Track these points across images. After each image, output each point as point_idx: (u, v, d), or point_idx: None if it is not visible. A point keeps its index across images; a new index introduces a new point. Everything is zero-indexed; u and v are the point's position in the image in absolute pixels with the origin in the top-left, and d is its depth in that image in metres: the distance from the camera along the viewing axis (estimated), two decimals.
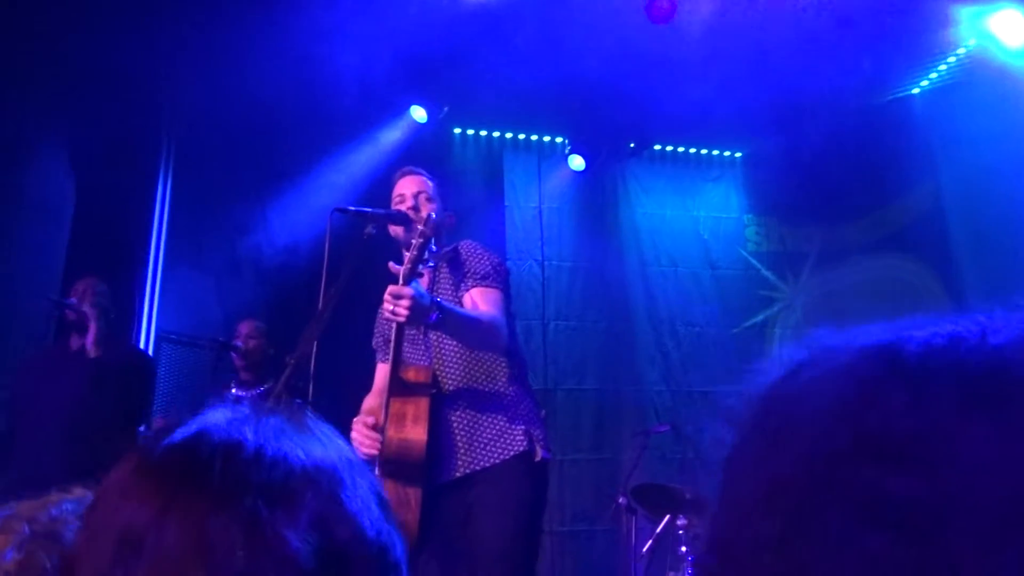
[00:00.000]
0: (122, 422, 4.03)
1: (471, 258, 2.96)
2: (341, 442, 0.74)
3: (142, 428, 4.16)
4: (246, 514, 0.63)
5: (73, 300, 4.08)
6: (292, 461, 0.67)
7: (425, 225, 2.62)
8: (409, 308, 2.47)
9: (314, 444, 0.70)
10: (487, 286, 2.90)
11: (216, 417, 0.70)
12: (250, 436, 0.68)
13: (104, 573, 0.63)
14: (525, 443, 2.81)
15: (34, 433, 3.87)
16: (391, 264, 2.62)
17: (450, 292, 2.95)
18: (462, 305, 2.88)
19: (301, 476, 0.66)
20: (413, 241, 2.59)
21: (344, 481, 0.69)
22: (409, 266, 2.55)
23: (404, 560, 0.71)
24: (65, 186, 5.39)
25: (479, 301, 2.87)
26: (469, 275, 2.92)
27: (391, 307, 2.48)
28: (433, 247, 2.61)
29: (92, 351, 3.95)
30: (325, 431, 0.74)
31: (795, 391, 0.54)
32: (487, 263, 2.95)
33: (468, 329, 2.78)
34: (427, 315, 2.55)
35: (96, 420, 3.89)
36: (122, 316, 4.90)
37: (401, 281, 2.53)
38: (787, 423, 0.52)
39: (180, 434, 0.69)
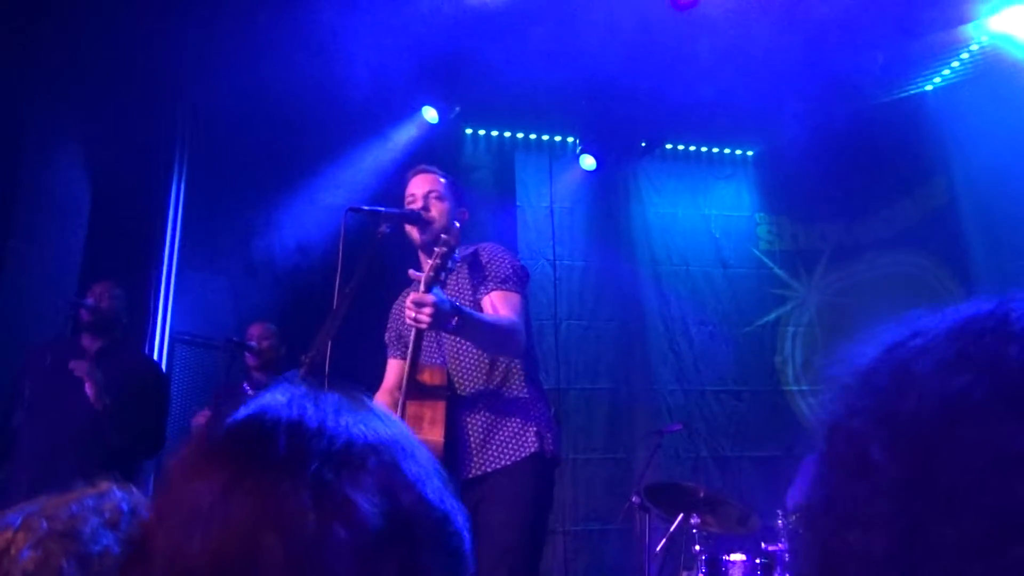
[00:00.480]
0: (139, 436, 4.05)
1: (492, 261, 2.96)
2: (399, 421, 0.76)
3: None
4: (312, 479, 0.65)
5: (89, 301, 4.11)
6: (353, 432, 0.70)
7: (448, 234, 2.65)
8: (431, 316, 2.49)
9: (373, 420, 0.73)
10: (507, 290, 2.90)
11: (275, 397, 0.73)
12: (311, 412, 0.70)
13: (178, 547, 0.65)
14: (536, 444, 2.83)
15: (46, 434, 3.85)
16: (411, 271, 2.65)
17: (469, 294, 2.95)
18: (480, 308, 2.89)
19: (363, 446, 0.69)
20: (436, 249, 2.61)
21: (405, 451, 0.71)
22: (431, 274, 2.56)
23: (466, 529, 0.73)
24: (82, 187, 5.44)
25: (499, 305, 2.87)
26: (490, 278, 2.93)
27: (413, 314, 2.51)
28: (456, 256, 2.63)
29: (96, 403, 3.88)
30: (383, 410, 0.76)
31: (907, 355, 0.56)
32: (508, 266, 2.96)
33: (487, 334, 2.79)
34: (448, 321, 2.57)
35: (111, 434, 3.89)
36: (137, 317, 4.94)
37: (423, 288, 2.55)
38: (905, 383, 0.54)
39: (241, 414, 0.71)
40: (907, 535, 0.50)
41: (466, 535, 0.73)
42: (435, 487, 0.72)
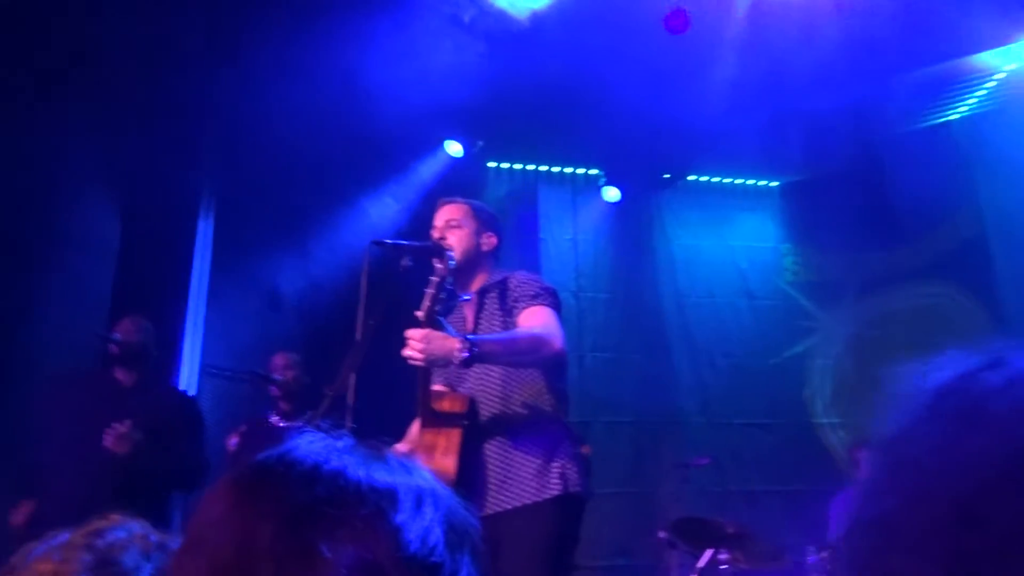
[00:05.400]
0: (179, 467, 4.07)
1: (520, 285, 2.95)
2: (420, 474, 0.76)
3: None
4: (286, 521, 0.67)
5: (118, 335, 4.16)
6: (348, 477, 0.71)
7: (441, 264, 2.62)
8: (423, 351, 2.48)
9: (379, 469, 0.74)
10: (536, 304, 2.89)
11: (304, 439, 0.76)
12: (314, 453, 0.73)
13: (180, 566, 0.71)
14: (560, 486, 2.75)
15: (80, 469, 3.85)
16: (416, 312, 2.61)
17: (499, 321, 2.93)
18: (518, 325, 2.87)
19: (352, 493, 0.70)
20: (431, 279, 2.59)
21: (401, 503, 0.71)
22: (428, 304, 2.54)
23: None
24: (110, 224, 5.54)
25: (527, 319, 2.85)
26: (519, 299, 2.92)
27: (408, 351, 2.50)
28: (449, 286, 2.61)
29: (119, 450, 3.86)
30: (405, 463, 0.77)
31: (982, 390, 0.55)
32: (535, 286, 2.95)
33: (510, 351, 2.74)
34: (452, 356, 2.53)
35: (146, 469, 3.90)
36: (167, 350, 5.00)
37: (423, 322, 2.53)
38: (976, 418, 0.53)
39: (268, 453, 0.75)
40: (958, 570, 0.49)
41: None
42: (432, 542, 0.70)
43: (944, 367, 0.58)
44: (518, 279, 2.99)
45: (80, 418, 3.94)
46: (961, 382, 0.57)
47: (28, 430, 3.93)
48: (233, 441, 4.35)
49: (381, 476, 0.72)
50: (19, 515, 3.86)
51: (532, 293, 2.92)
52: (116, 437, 3.82)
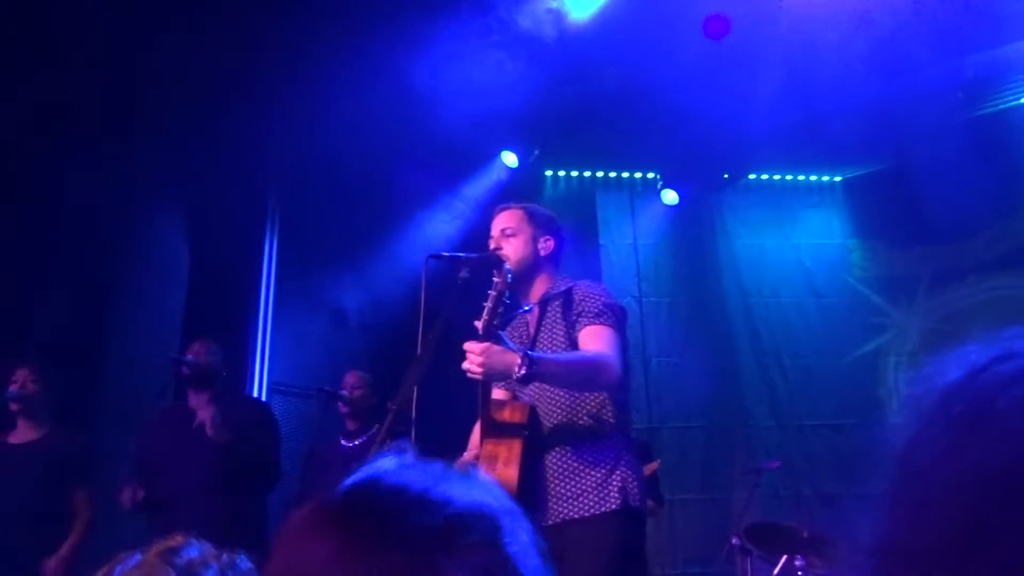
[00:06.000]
0: (256, 476, 4.21)
1: (585, 299, 2.88)
2: (499, 491, 0.78)
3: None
4: (419, 554, 0.67)
5: (189, 357, 4.29)
6: (457, 503, 0.71)
7: (499, 278, 2.59)
8: (482, 365, 2.47)
9: (474, 489, 0.74)
10: (599, 324, 2.81)
11: (386, 464, 0.75)
12: (417, 480, 0.72)
13: None
14: (619, 501, 2.71)
15: (172, 496, 4.04)
16: (476, 322, 2.59)
17: (562, 332, 2.88)
18: (576, 346, 2.82)
19: (465, 518, 0.70)
20: (489, 293, 2.57)
21: (504, 527, 0.72)
22: (487, 318, 2.52)
23: None
24: (181, 248, 5.72)
25: (588, 340, 2.79)
26: (581, 315, 2.84)
27: (467, 364, 2.50)
28: (507, 300, 2.57)
29: (217, 438, 4.08)
30: (484, 479, 0.78)
31: (991, 384, 0.52)
32: (599, 302, 2.86)
33: (569, 374, 2.71)
34: (510, 371, 2.51)
35: (229, 479, 4.07)
36: (236, 369, 5.14)
37: (482, 335, 2.52)
38: (981, 417, 0.50)
39: (354, 479, 0.74)
40: None
41: None
42: (533, 565, 0.72)
43: (956, 364, 0.55)
44: (583, 291, 2.92)
45: (170, 445, 4.17)
46: (969, 380, 0.53)
47: (113, 452, 4.10)
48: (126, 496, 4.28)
49: (478, 496, 0.73)
50: (126, 496, 4.06)
51: (596, 310, 2.83)
52: (211, 425, 4.06)
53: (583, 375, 2.73)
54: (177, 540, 1.17)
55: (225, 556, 1.16)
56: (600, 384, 2.76)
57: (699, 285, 6.72)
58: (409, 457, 0.76)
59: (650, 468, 4.53)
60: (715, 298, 6.70)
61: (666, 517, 5.81)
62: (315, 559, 0.68)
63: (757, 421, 6.38)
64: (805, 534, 4.41)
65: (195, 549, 1.15)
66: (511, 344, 2.59)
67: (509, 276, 2.62)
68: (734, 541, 4.75)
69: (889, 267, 6.75)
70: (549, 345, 2.90)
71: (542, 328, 2.95)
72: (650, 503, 3.88)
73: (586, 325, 2.82)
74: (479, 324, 2.53)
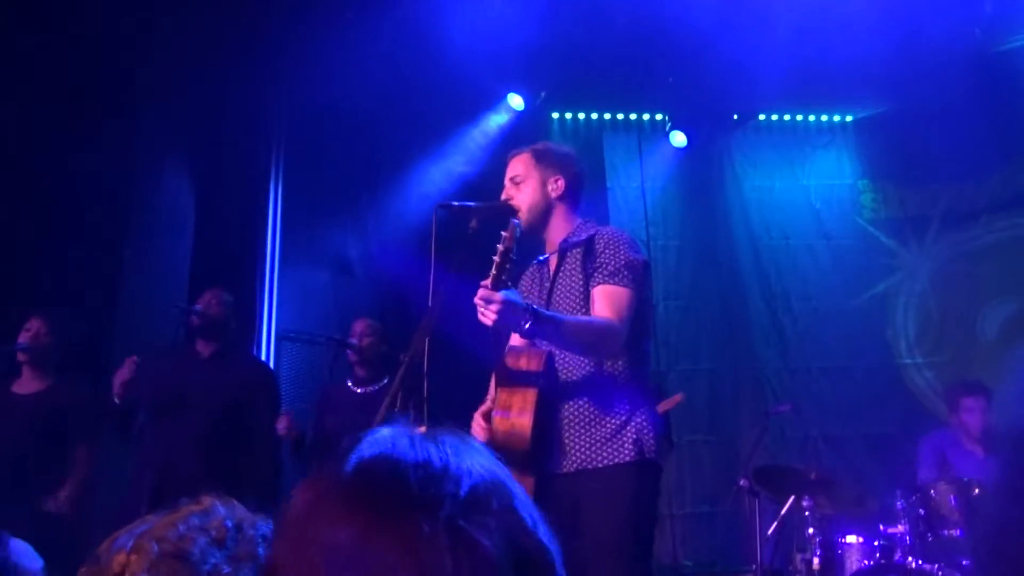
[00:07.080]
0: (256, 430, 4.26)
1: (605, 250, 2.79)
2: (494, 457, 0.79)
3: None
4: (447, 523, 0.67)
5: (199, 307, 4.30)
6: (475, 474, 0.72)
7: (507, 232, 2.52)
8: (497, 313, 2.40)
9: (483, 458, 0.76)
10: (613, 283, 2.73)
11: (396, 438, 0.75)
12: (435, 453, 0.73)
13: None
14: (633, 452, 2.70)
15: (168, 437, 4.06)
16: (483, 281, 2.51)
17: (580, 284, 2.81)
18: (592, 300, 2.77)
19: (485, 488, 0.72)
20: (497, 247, 2.50)
21: (514, 493, 0.74)
22: (495, 273, 2.46)
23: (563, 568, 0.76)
24: (188, 196, 5.70)
25: (600, 301, 2.72)
26: (598, 269, 2.77)
27: (481, 310, 2.44)
28: (514, 257, 2.50)
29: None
30: (482, 446, 0.79)
31: None
32: (620, 257, 2.77)
33: (572, 338, 2.66)
34: (517, 323, 2.47)
35: (230, 429, 4.14)
36: (245, 317, 5.15)
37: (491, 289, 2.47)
38: None
39: (364, 454, 0.73)
40: None
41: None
42: (544, 528, 0.74)
43: None
44: (604, 240, 2.82)
45: (165, 391, 4.13)
46: None
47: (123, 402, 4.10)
48: (282, 425, 4.35)
49: (489, 465, 0.75)
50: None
51: (613, 267, 2.75)
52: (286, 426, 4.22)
53: (586, 343, 2.69)
54: (195, 505, 1.15)
55: (230, 522, 1.13)
56: (601, 354, 2.73)
57: (708, 228, 6.67)
58: (411, 427, 0.77)
59: (669, 403, 4.48)
60: (724, 241, 6.65)
61: (676, 458, 5.87)
62: (347, 535, 0.67)
63: (766, 363, 6.39)
64: (813, 475, 4.45)
65: (197, 517, 1.13)
66: (518, 299, 2.51)
67: (518, 231, 2.55)
68: (742, 483, 4.81)
69: (900, 208, 6.66)
70: (565, 297, 2.85)
71: (559, 278, 2.88)
72: None
73: (600, 283, 2.75)
74: (486, 283, 2.47)
